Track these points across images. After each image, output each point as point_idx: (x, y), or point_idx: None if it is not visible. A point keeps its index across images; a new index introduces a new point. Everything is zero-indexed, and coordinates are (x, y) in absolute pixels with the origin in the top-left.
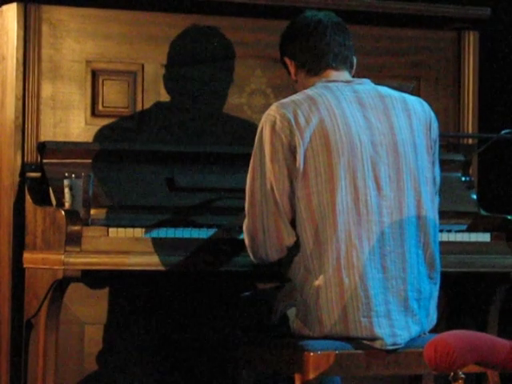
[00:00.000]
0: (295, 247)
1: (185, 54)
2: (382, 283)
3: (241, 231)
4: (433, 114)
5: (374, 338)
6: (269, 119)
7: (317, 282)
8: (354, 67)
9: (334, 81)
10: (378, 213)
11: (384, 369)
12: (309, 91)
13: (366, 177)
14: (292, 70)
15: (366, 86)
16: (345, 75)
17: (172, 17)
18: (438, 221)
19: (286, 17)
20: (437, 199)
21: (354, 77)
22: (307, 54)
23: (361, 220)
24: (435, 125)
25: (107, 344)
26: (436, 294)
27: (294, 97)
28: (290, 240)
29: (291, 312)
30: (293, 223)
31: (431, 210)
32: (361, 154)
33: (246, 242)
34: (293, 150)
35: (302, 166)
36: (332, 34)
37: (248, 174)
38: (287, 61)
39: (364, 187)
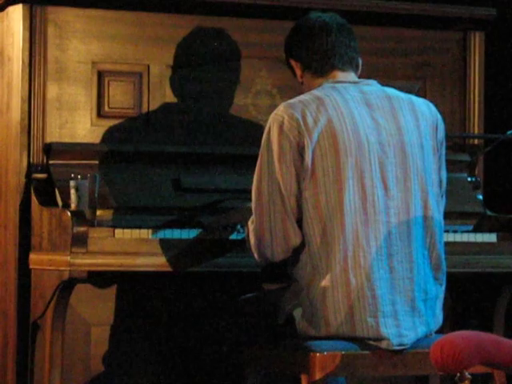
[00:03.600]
0: (302, 247)
1: (190, 54)
2: (388, 283)
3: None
4: (439, 116)
5: (381, 339)
6: (276, 119)
7: (323, 283)
8: (360, 68)
9: (340, 81)
10: (385, 213)
11: (390, 369)
12: (316, 92)
13: (373, 177)
14: (298, 71)
15: (372, 86)
16: (351, 76)
17: (177, 18)
18: (443, 222)
19: (291, 17)
20: (443, 201)
21: (359, 77)
22: (313, 56)
23: (368, 220)
24: (442, 126)
25: (113, 345)
26: (442, 294)
27: (302, 97)
28: (296, 240)
29: (297, 312)
30: (299, 223)
31: (437, 211)
32: (368, 154)
33: (252, 241)
34: (301, 151)
35: (310, 166)
36: (337, 35)
37: (255, 174)
38: (293, 62)
39: (371, 187)
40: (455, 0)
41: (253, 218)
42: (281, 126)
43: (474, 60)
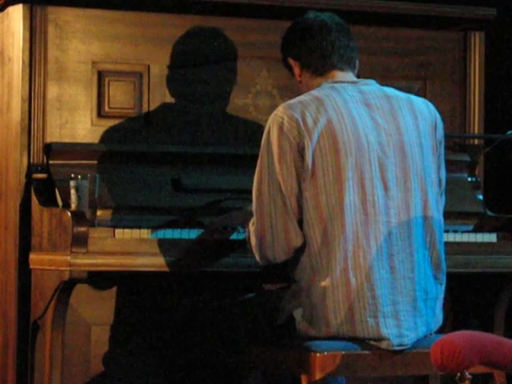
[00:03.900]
0: (302, 247)
1: (190, 54)
2: (389, 283)
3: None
4: (438, 115)
5: (381, 339)
6: (276, 120)
7: (324, 283)
8: (357, 69)
9: (340, 81)
10: (386, 213)
11: (390, 369)
12: (315, 92)
13: (373, 177)
14: (296, 71)
15: (371, 86)
16: (350, 76)
17: (177, 18)
18: (442, 222)
19: (290, 17)
20: (442, 200)
21: (358, 77)
22: (312, 55)
23: (368, 220)
24: (440, 126)
25: (113, 345)
26: (442, 294)
27: (301, 98)
28: (297, 241)
29: (297, 312)
30: (300, 224)
31: (437, 210)
32: (368, 155)
33: (253, 243)
34: (301, 151)
35: (310, 167)
36: (336, 34)
37: (255, 175)
38: (291, 62)
39: (371, 187)
40: (455, 0)
41: (253, 219)
42: (280, 127)
43: (474, 60)
